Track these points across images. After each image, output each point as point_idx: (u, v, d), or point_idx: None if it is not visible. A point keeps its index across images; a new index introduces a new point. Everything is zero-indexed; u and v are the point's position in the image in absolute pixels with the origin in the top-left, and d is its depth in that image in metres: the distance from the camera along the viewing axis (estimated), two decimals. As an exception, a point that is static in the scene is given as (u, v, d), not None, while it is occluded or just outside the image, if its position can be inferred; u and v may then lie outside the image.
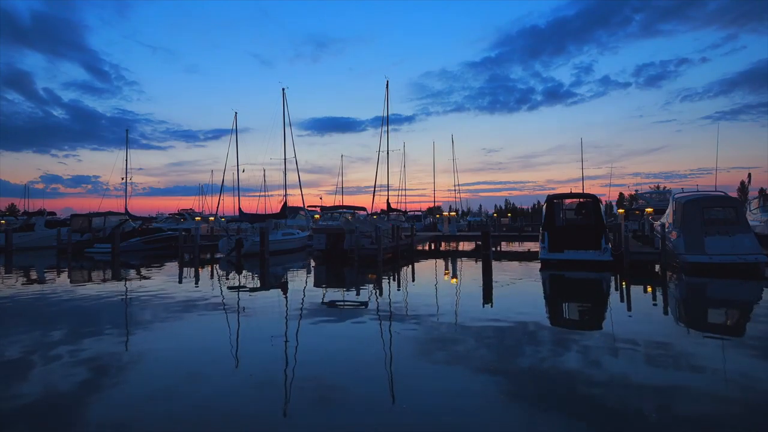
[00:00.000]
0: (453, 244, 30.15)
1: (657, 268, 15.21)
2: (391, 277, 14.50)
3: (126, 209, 31.59)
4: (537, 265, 16.38)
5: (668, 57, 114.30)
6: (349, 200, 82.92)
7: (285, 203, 27.68)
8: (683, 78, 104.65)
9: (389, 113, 30.88)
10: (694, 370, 5.31)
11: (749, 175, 75.68)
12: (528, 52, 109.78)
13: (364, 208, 31.40)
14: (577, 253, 15.87)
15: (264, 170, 36.20)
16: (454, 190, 52.09)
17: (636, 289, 11.61)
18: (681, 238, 14.56)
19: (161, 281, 13.87)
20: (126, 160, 31.73)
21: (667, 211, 17.09)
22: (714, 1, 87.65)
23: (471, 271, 16.51)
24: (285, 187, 28.47)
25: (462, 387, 4.81)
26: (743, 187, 72.51)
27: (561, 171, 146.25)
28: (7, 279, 14.92)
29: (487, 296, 10.92)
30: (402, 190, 44.44)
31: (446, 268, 17.52)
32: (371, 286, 12.67)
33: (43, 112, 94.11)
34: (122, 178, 31.69)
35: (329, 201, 58.38)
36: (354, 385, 4.94)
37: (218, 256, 22.93)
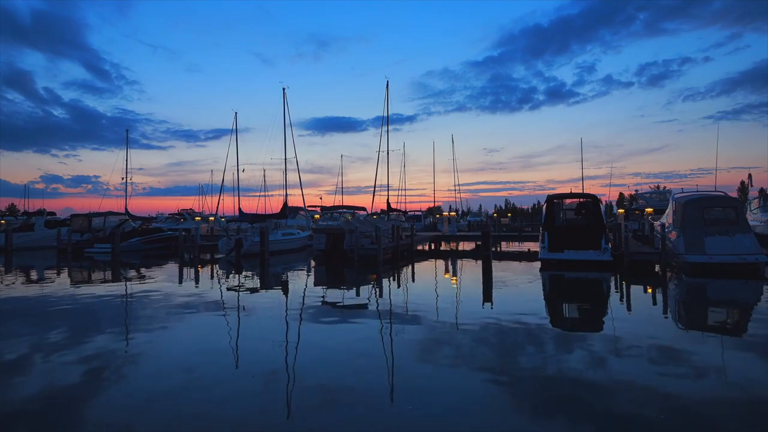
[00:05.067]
0: (453, 244, 30.14)
1: (657, 268, 15.22)
2: (391, 277, 14.50)
3: (126, 209, 31.60)
4: (537, 265, 16.39)
5: (671, 56, 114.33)
6: (349, 200, 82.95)
7: (285, 203, 27.69)
8: (686, 77, 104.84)
9: (390, 113, 30.94)
10: (694, 370, 5.31)
11: (749, 175, 75.46)
12: (530, 51, 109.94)
13: (364, 208, 31.45)
14: (577, 253, 15.87)
15: (264, 170, 36.21)
16: (454, 190, 52.04)
17: (636, 289, 11.61)
18: (681, 238, 14.57)
19: (161, 281, 13.87)
20: (126, 160, 31.80)
21: (667, 211, 17.10)
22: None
23: (471, 271, 16.51)
24: (285, 187, 28.50)
25: (462, 387, 4.81)
26: (743, 187, 72.38)
27: (561, 171, 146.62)
28: (6, 279, 14.92)
29: (487, 296, 10.93)
30: (402, 190, 44.49)
31: (446, 268, 17.52)
32: (371, 286, 12.68)
33: (43, 112, 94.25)
34: (122, 178, 31.75)
35: (329, 201, 58.42)
36: (355, 385, 4.94)
37: (218, 256, 22.93)
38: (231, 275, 15.53)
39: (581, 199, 17.75)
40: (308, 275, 15.53)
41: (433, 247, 27.68)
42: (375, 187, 30.67)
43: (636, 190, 55.37)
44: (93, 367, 5.66)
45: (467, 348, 6.32)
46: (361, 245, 19.43)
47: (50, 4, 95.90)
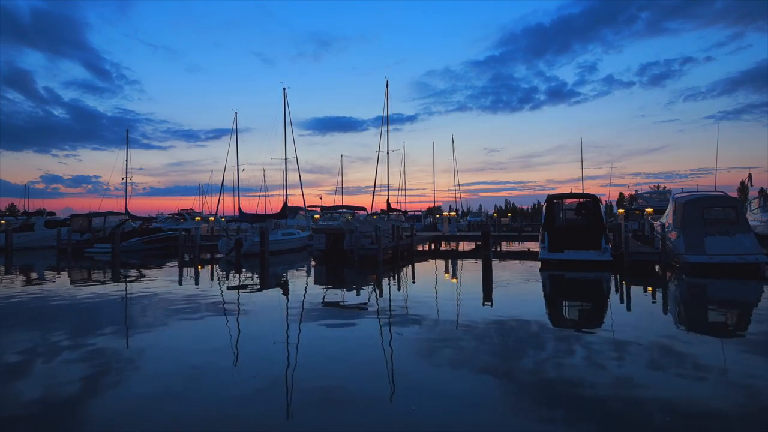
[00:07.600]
0: (453, 244, 30.15)
1: (657, 268, 15.22)
2: (392, 277, 14.50)
3: (126, 209, 31.61)
4: (537, 265, 16.39)
5: (673, 56, 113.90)
6: (349, 200, 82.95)
7: (285, 203, 27.69)
8: (687, 77, 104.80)
9: (390, 113, 30.96)
10: (694, 370, 5.31)
11: (749, 175, 75.44)
12: (532, 50, 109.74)
13: (364, 208, 31.44)
14: (577, 253, 15.88)
15: (264, 170, 36.24)
16: (454, 190, 52.02)
17: (636, 289, 11.61)
18: (681, 238, 14.57)
19: (161, 281, 13.87)
20: (126, 159, 31.82)
21: (667, 211, 17.11)
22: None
23: (471, 271, 16.51)
24: (285, 187, 28.50)
25: (463, 387, 4.81)
26: (743, 187, 72.34)
27: (561, 171, 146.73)
28: (6, 279, 14.91)
29: (487, 296, 10.93)
30: (402, 190, 44.51)
31: (446, 269, 17.51)
32: (371, 286, 12.68)
33: (43, 112, 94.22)
34: (122, 178, 31.77)
35: (329, 201, 58.44)
36: (356, 385, 4.94)
37: (218, 256, 22.93)
38: (231, 275, 15.53)
39: (581, 199, 17.76)
40: (308, 275, 15.53)
41: (433, 247, 27.68)
42: (375, 187, 30.72)
43: (636, 190, 55.39)
44: (92, 367, 5.66)
45: (468, 348, 6.32)
46: (361, 245, 19.43)
47: (50, 3, 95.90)
